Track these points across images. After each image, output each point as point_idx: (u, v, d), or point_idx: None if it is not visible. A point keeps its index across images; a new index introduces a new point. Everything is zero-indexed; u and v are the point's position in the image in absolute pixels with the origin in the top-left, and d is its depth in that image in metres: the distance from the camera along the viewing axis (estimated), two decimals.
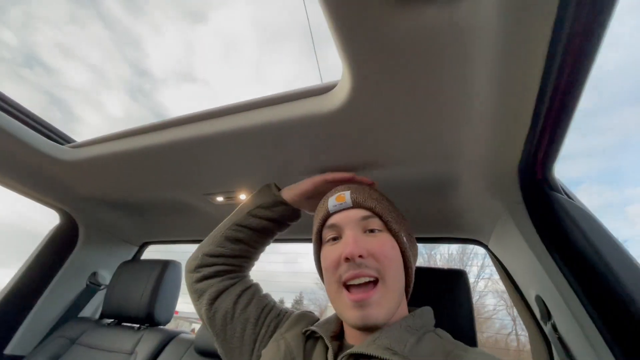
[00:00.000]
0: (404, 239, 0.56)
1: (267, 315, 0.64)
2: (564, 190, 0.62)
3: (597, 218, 0.58)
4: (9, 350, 1.13)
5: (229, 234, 0.68)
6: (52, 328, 1.24)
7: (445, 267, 0.80)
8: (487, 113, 0.52)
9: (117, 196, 1.13)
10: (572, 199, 0.62)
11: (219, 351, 0.64)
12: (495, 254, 0.90)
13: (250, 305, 0.64)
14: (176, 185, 0.99)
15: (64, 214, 1.26)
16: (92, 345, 1.12)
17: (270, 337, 0.61)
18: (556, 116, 0.49)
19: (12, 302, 1.16)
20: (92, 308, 1.39)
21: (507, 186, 0.66)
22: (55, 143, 0.94)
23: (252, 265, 0.74)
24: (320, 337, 0.56)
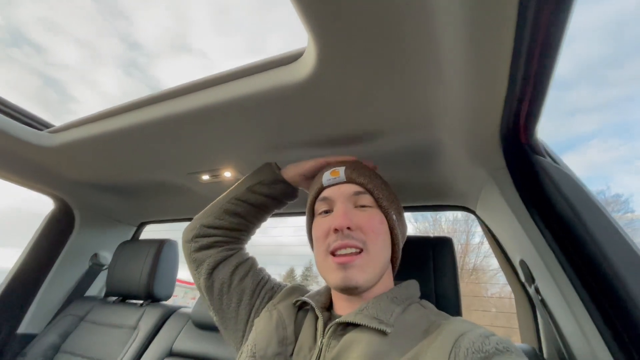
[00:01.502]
0: (393, 216, 0.58)
1: (263, 287, 0.66)
2: (548, 154, 0.59)
3: (582, 182, 0.56)
4: (22, 329, 1.20)
5: (228, 207, 0.69)
6: (61, 307, 1.30)
7: (432, 234, 0.80)
8: (460, 76, 0.48)
9: (105, 179, 1.12)
10: (557, 163, 0.59)
11: (215, 319, 0.66)
12: (483, 219, 0.89)
13: (247, 277, 0.66)
14: (160, 165, 0.98)
15: (57, 199, 1.27)
16: (99, 322, 1.18)
17: (264, 308, 0.63)
18: (535, 75, 0.45)
19: (18, 285, 1.21)
20: (98, 287, 1.45)
21: (489, 152, 0.63)
22: (32, 129, 0.92)
23: (249, 239, 0.75)
24: (311, 308, 0.58)
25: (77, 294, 1.36)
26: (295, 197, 0.77)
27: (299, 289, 0.66)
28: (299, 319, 0.57)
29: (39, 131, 0.94)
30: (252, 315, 0.63)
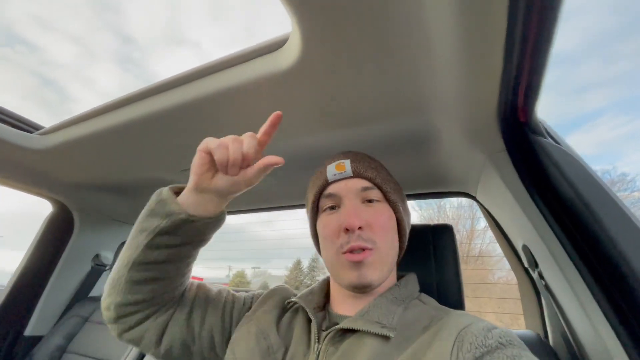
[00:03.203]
0: (401, 208, 0.57)
1: (232, 310, 0.60)
2: (549, 134, 0.57)
3: (585, 162, 0.53)
4: (28, 331, 1.21)
5: (133, 278, 0.51)
6: (65, 308, 1.31)
7: (432, 222, 0.78)
8: (453, 56, 0.45)
9: (101, 179, 1.11)
10: (559, 143, 0.57)
11: None
12: (484, 204, 0.87)
13: (207, 315, 0.58)
14: (154, 163, 0.96)
15: (54, 202, 1.27)
16: (103, 322, 1.18)
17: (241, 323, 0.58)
18: (533, 49, 0.42)
19: (23, 288, 1.22)
20: (102, 287, 1.45)
21: (487, 134, 0.61)
22: (21, 132, 0.91)
23: (184, 285, 0.58)
24: (302, 309, 0.56)
25: (81, 294, 1.36)
26: (219, 225, 0.56)
27: (279, 291, 0.64)
28: (286, 321, 0.55)
29: (28, 134, 0.93)
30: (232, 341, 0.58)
